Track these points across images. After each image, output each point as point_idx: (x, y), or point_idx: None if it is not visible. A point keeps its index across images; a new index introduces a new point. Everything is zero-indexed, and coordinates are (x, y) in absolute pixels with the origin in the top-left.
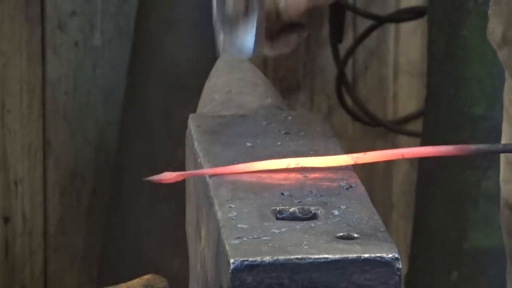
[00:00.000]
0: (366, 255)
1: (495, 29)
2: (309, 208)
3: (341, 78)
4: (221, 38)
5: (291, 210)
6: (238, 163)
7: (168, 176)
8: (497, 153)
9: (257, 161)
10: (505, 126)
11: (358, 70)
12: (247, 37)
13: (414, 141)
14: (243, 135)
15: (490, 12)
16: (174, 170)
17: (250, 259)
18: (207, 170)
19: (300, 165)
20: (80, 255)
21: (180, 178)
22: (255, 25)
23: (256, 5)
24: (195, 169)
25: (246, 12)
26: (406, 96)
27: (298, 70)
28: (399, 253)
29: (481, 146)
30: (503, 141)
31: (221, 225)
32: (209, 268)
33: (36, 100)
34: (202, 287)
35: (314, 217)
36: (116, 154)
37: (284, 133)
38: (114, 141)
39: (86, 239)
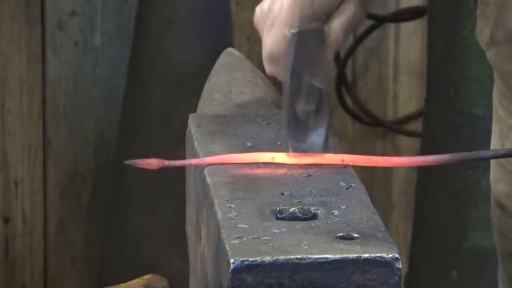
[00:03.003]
0: (366, 255)
1: (483, 29)
2: (309, 208)
3: (341, 78)
4: (291, 137)
5: (291, 210)
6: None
7: (150, 163)
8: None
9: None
10: (494, 126)
11: (358, 70)
12: (318, 136)
13: (414, 141)
14: (243, 135)
15: (478, 12)
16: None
17: (250, 259)
18: (199, 160)
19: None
20: (80, 255)
21: (161, 166)
22: (326, 123)
23: (326, 104)
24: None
25: (317, 111)
26: (406, 96)
27: None
28: (399, 253)
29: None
30: (492, 141)
31: (221, 225)
32: (209, 268)
33: (36, 100)
34: (202, 287)
35: (314, 217)
36: (116, 154)
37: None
38: (114, 141)
39: (86, 239)
